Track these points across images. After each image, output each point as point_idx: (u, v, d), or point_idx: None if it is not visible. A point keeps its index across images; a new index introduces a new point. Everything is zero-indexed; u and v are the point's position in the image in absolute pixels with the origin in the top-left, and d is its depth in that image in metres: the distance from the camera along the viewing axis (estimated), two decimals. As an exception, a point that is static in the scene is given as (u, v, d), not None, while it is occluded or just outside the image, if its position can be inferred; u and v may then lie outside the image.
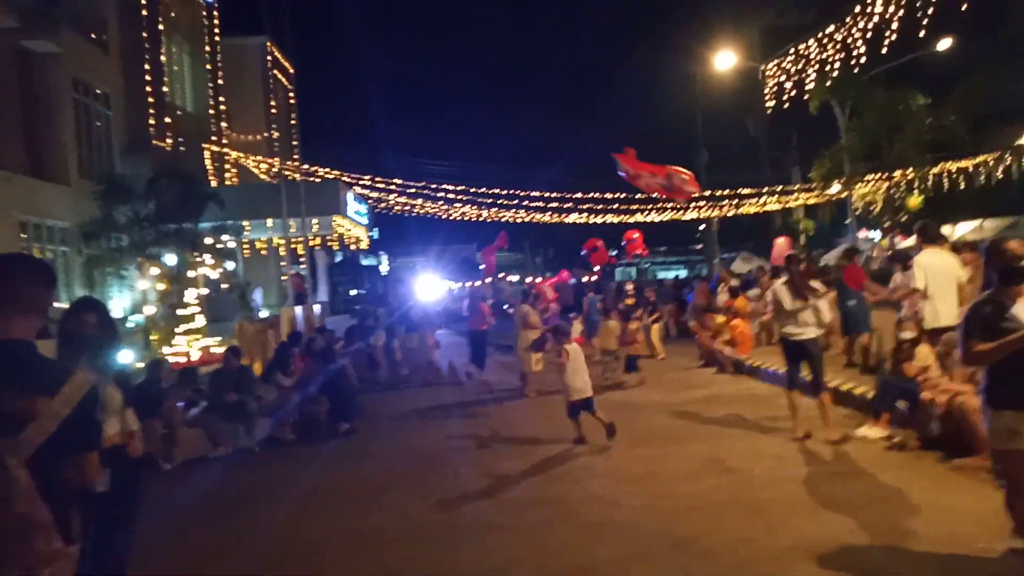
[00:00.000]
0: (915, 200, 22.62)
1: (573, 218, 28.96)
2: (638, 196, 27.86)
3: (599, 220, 28.74)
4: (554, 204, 27.64)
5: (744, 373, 11.36)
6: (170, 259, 15.13)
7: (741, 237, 35.50)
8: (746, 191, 28.90)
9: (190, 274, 15.49)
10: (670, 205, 27.44)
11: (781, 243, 18.65)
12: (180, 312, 14.90)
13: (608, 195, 26.91)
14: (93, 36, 17.05)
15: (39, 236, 14.71)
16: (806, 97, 22.43)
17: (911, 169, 22.34)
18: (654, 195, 16.50)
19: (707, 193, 27.66)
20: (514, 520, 5.36)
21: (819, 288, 7.11)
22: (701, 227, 32.84)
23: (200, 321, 15.45)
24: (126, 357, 12.75)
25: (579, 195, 27.58)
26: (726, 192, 28.69)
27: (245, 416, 8.68)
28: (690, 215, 29.31)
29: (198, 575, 4.78)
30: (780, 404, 7.88)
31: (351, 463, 7.60)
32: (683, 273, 38.59)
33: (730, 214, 29.83)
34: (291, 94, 30.50)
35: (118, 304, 15.77)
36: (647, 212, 28.60)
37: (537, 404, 10.20)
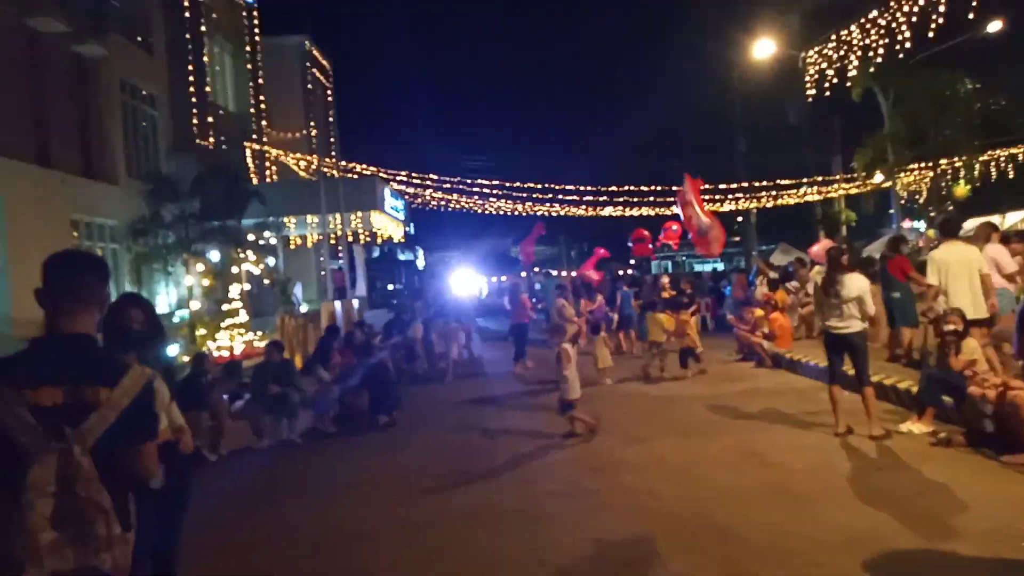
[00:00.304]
0: (962, 189, 21.97)
1: (608, 211, 28.78)
2: (674, 188, 27.63)
3: (635, 213, 28.50)
4: (589, 197, 27.52)
5: (783, 367, 11.21)
6: (214, 255, 15.52)
7: (780, 228, 34.83)
8: (785, 181, 28.36)
9: (233, 270, 15.88)
10: (706, 197, 27.14)
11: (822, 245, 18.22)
12: (224, 307, 15.28)
13: (644, 188, 26.70)
14: (139, 39, 17.54)
15: (90, 234, 15.22)
16: (848, 84, 21.89)
17: (958, 157, 21.67)
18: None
19: (745, 184, 27.24)
20: (554, 509, 5.41)
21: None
22: (739, 218, 32.32)
23: (243, 316, 15.82)
24: (172, 351, 13.18)
25: (614, 188, 27.41)
26: (764, 183, 28.19)
27: (287, 408, 8.87)
28: (728, 206, 28.88)
29: (244, 565, 4.90)
30: (820, 398, 7.79)
31: (391, 455, 7.72)
32: (720, 266, 38.00)
33: (768, 205, 29.32)
34: (328, 91, 30.92)
35: (164, 299, 16.25)
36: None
37: (581, 394, 10.24)
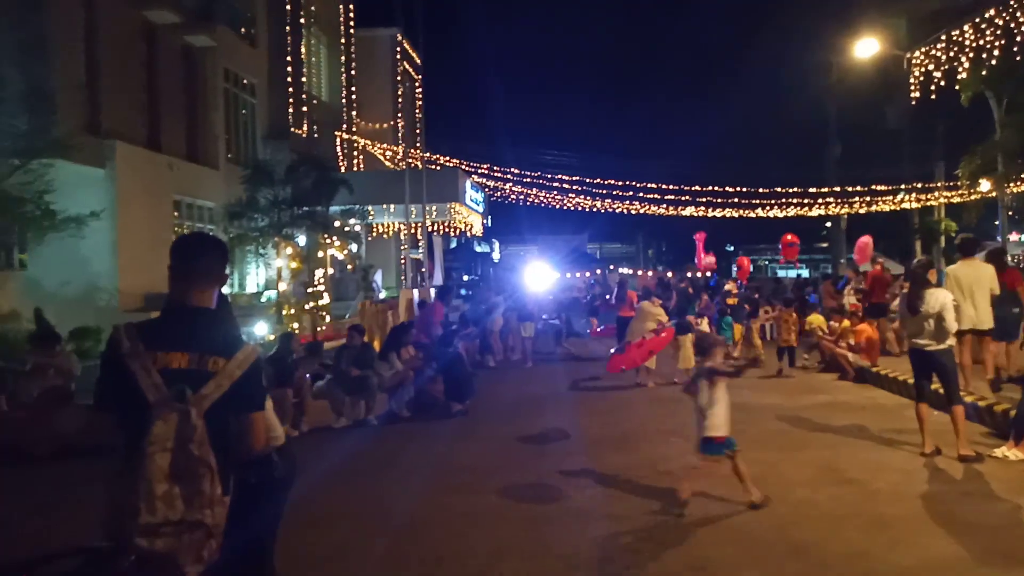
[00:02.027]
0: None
1: (690, 211, 28.26)
2: (760, 190, 26.83)
3: (717, 214, 27.87)
4: (670, 196, 27.11)
5: (868, 381, 10.76)
6: (302, 240, 16.16)
7: (872, 236, 33.29)
8: (881, 187, 27.05)
9: (319, 254, 16.49)
10: (794, 200, 26.20)
11: (865, 242, 17.25)
12: (309, 290, 15.91)
13: (728, 188, 26.05)
14: (243, 31, 18.42)
15: (190, 215, 16.14)
16: (957, 87, 20.61)
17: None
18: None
19: (836, 188, 26.14)
20: (621, 511, 5.41)
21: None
22: (827, 224, 31.05)
23: (326, 299, 16.41)
24: (260, 330, 13.82)
25: (696, 187, 26.90)
26: (857, 188, 26.98)
27: (366, 391, 9.18)
28: (816, 211, 27.81)
29: (319, 540, 5.10)
30: (907, 416, 7.44)
31: (464, 443, 7.87)
32: (805, 272, 36.63)
33: (861, 211, 28.05)
34: (417, 83, 31.53)
35: (254, 280, 17.03)
36: (768, 207, 27.44)
37: (651, 397, 10.17)
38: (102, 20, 13.85)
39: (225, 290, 3.44)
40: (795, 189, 26.01)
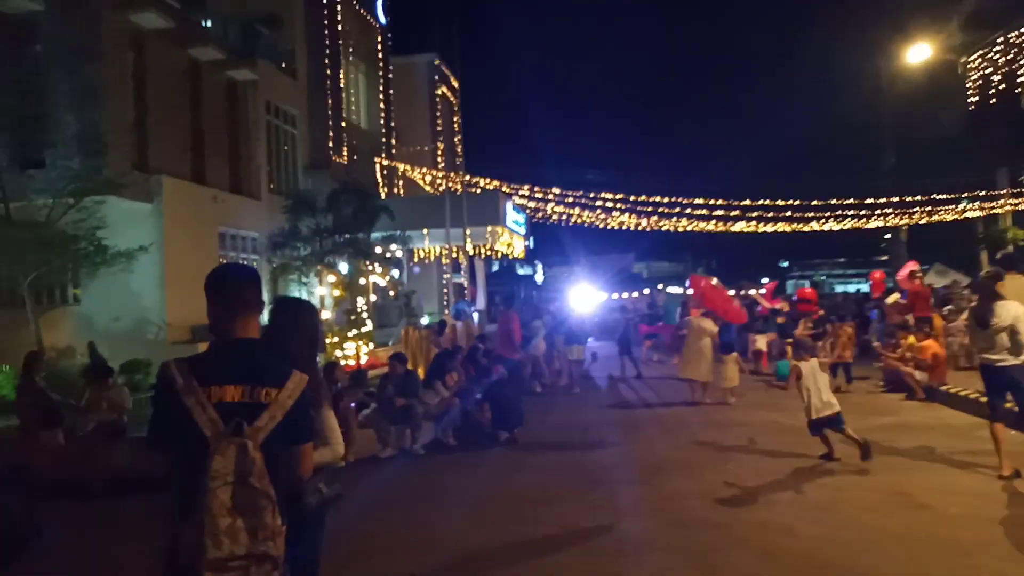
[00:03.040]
0: None
1: (740, 227, 27.61)
2: (813, 203, 26.08)
3: (769, 229, 27.14)
4: (719, 212, 26.51)
5: (937, 400, 10.21)
6: (343, 267, 16.27)
7: (933, 247, 32.08)
8: (942, 196, 26.01)
9: (361, 281, 16.57)
10: (850, 213, 25.34)
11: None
12: (352, 317, 15.96)
13: (780, 202, 25.38)
14: (283, 64, 18.83)
15: (234, 246, 16.41)
16: (1018, 91, 19.76)
17: None
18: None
19: (895, 199, 25.26)
20: (680, 541, 5.16)
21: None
22: (886, 236, 30.02)
23: (369, 326, 16.44)
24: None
25: (747, 202, 26.25)
26: (917, 197, 25.98)
27: (411, 420, 9.04)
28: (874, 223, 26.88)
29: (372, 572, 4.98)
30: (981, 437, 7.00)
31: (513, 472, 7.68)
32: (865, 287, 35.42)
33: (922, 221, 27.01)
34: (455, 107, 31.82)
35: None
36: (824, 220, 26.63)
37: (704, 419, 9.82)
38: (150, 62, 14.30)
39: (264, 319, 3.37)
40: (851, 200, 25.16)
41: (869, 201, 25.50)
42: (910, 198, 25.61)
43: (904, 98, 26.62)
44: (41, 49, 13.23)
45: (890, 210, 25.63)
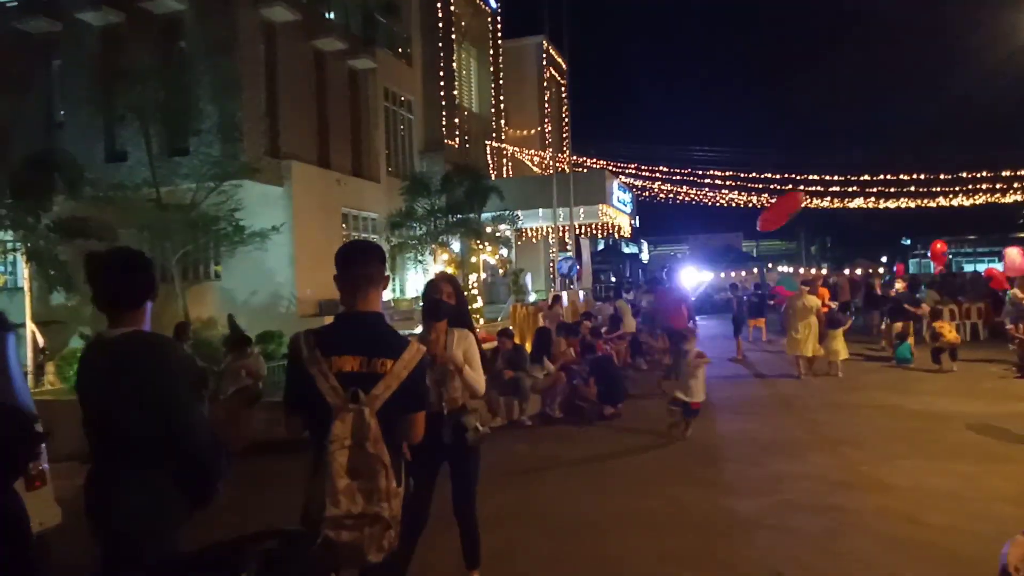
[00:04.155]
0: None
1: (858, 203, 26.13)
2: (941, 176, 24.28)
3: (890, 205, 25.54)
4: (835, 188, 25.19)
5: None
6: (456, 246, 16.83)
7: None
8: None
9: (472, 260, 17.09)
10: (984, 186, 23.38)
11: (1013, 254, 14.92)
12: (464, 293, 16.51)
13: (903, 176, 23.79)
14: (400, 51, 19.53)
15: (356, 226, 17.32)
16: None
17: None
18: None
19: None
20: (796, 523, 5.15)
21: None
22: (1025, 211, 27.50)
23: (479, 302, 16.96)
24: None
25: (866, 177, 24.79)
26: None
27: (519, 392, 9.39)
28: (1012, 197, 24.69)
29: (489, 539, 5.24)
30: None
31: (621, 446, 7.82)
32: (999, 266, 32.66)
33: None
34: (563, 88, 31.78)
35: (413, 285, 17.94)
36: (952, 195, 24.73)
37: (808, 402, 9.57)
38: (280, 54, 15.26)
39: (387, 295, 3.73)
40: (984, 173, 23.19)
41: (1007, 173, 23.36)
42: None
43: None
44: (184, 46, 14.41)
45: None
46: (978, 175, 23.36)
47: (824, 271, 32.08)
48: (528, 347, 12.98)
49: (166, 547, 2.44)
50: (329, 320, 2.72)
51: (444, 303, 3.81)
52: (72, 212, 11.60)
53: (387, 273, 2.74)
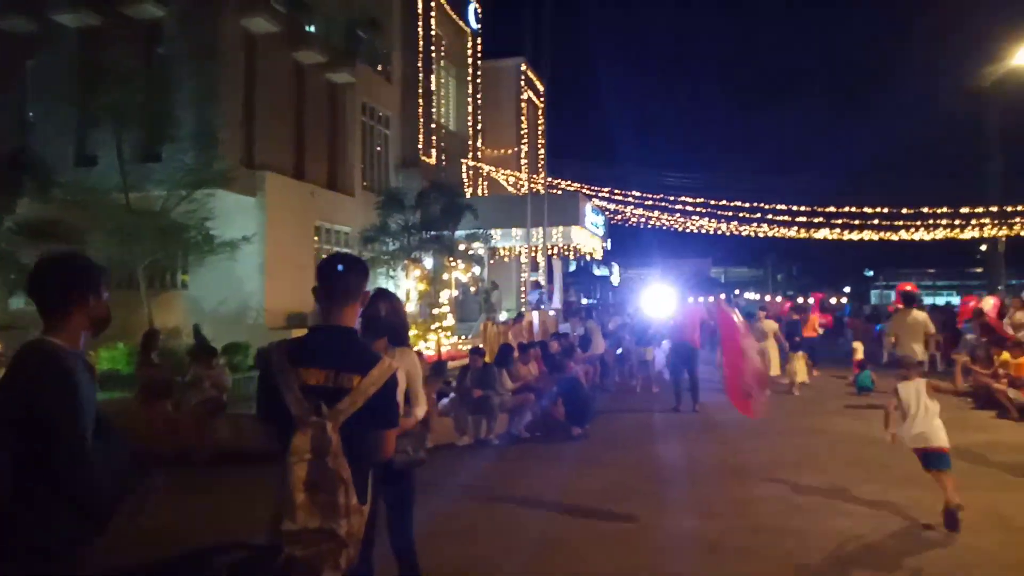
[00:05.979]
0: None
1: (823, 234, 26.78)
2: (903, 211, 25.04)
3: (855, 237, 26.21)
4: (802, 219, 25.82)
5: (1033, 420, 9.75)
6: (429, 263, 16.83)
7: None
8: None
9: (444, 276, 17.10)
10: (943, 222, 24.16)
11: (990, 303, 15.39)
12: (435, 311, 16.50)
13: (867, 209, 24.48)
14: (379, 67, 19.60)
15: (329, 239, 17.23)
16: None
17: None
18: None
19: (994, 208, 23.91)
20: (757, 545, 5.23)
21: None
22: (982, 247, 28.41)
23: (450, 319, 16.94)
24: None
25: (832, 208, 25.45)
26: (1019, 208, 24.52)
27: (488, 411, 9.39)
28: (969, 233, 25.51)
29: (460, 554, 5.19)
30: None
31: (588, 467, 7.85)
32: (955, 299, 33.63)
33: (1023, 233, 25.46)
34: (540, 110, 32.16)
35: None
36: (913, 229, 25.49)
37: (781, 428, 9.72)
38: (259, 64, 15.22)
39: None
40: (944, 209, 24.02)
41: (965, 210, 24.18)
42: (1010, 208, 24.12)
43: (1014, 96, 24.99)
44: (163, 51, 14.30)
45: (987, 220, 24.21)
46: (938, 211, 24.21)
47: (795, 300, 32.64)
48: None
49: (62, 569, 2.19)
50: (298, 333, 2.69)
51: (379, 319, 3.68)
52: (38, 214, 11.37)
53: (367, 289, 2.72)
